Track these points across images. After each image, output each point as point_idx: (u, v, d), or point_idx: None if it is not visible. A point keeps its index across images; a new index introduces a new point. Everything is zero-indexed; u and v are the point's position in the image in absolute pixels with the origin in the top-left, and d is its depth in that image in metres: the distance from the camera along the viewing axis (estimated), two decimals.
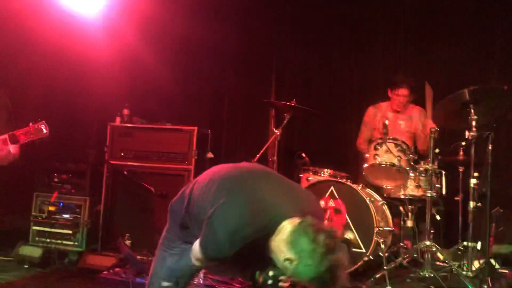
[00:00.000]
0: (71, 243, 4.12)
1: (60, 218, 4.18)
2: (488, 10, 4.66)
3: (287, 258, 1.60)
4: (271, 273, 1.73)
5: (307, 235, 1.58)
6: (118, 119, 4.68)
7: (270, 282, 1.74)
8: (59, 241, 4.13)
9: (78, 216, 4.17)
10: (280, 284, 1.72)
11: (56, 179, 4.35)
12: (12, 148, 2.60)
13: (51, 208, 4.23)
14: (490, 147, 3.12)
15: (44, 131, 2.54)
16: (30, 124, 2.55)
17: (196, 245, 1.84)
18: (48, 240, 4.13)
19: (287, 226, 1.63)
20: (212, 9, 5.52)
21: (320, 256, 1.55)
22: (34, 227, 4.19)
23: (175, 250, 2.01)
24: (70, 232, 4.15)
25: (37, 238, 4.15)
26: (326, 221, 1.77)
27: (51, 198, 4.21)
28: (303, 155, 4.14)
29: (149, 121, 4.93)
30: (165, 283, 2.00)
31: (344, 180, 3.75)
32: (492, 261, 3.71)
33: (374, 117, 4.45)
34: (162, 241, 2.10)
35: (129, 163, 4.41)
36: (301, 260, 1.56)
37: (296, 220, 1.64)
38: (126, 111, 4.75)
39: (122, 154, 4.39)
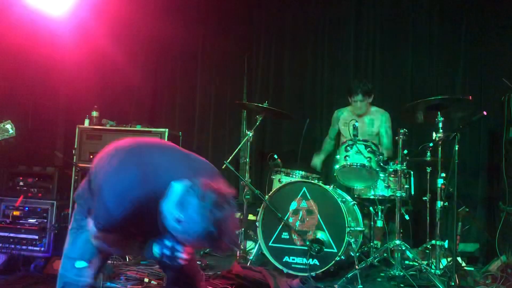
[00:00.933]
0: (37, 248, 4.00)
1: (25, 223, 4.05)
2: (453, 23, 4.83)
3: (176, 219, 1.59)
4: (167, 242, 1.72)
5: (195, 195, 1.58)
6: (86, 121, 4.59)
7: (167, 252, 1.73)
8: (24, 247, 3.99)
9: (45, 220, 4.05)
10: (178, 254, 1.73)
11: (21, 183, 4.22)
12: None
13: (16, 213, 4.09)
14: (456, 148, 3.20)
15: (11, 131, 2.42)
16: None
17: (90, 220, 1.84)
18: (13, 246, 4.00)
19: (177, 187, 1.63)
20: (183, 10, 5.49)
21: (207, 212, 1.56)
22: None
23: (85, 229, 1.97)
24: (36, 237, 4.02)
25: (1, 244, 4.01)
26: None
27: (16, 203, 4.08)
28: (276, 156, 4.14)
29: (118, 123, 4.84)
30: (79, 263, 1.96)
31: (316, 181, 3.77)
32: (459, 259, 3.83)
33: (337, 120, 4.54)
34: (71, 224, 2.06)
35: None
36: (189, 218, 1.56)
37: (186, 182, 1.64)
38: (95, 113, 4.66)
39: (91, 156, 4.30)
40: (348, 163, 3.66)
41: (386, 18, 5.02)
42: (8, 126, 2.40)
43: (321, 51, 5.20)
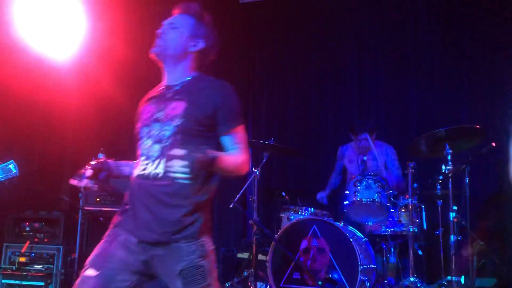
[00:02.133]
0: None
1: (32, 270, 3.98)
2: (457, 53, 4.84)
3: None
4: None
5: None
6: None
7: None
8: None
9: (51, 266, 3.99)
10: None
11: (27, 228, 4.18)
12: None
13: (22, 259, 4.03)
14: (467, 181, 3.15)
15: (14, 170, 2.42)
16: None
17: None
18: None
19: None
20: None
21: None
22: (4, 280, 3.97)
23: None
24: (42, 284, 3.94)
25: None
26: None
27: (22, 249, 4.02)
28: (283, 194, 4.10)
29: None
30: None
31: (326, 218, 3.72)
32: None
33: (342, 156, 4.51)
34: None
35: (104, 209, 4.27)
36: None
37: None
38: (101, 156, 4.65)
39: (98, 199, 4.26)
40: (358, 199, 3.61)
41: (387, 53, 5.06)
42: (11, 166, 2.41)
43: (324, 87, 5.23)
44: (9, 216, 4.21)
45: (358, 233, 3.75)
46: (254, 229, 3.98)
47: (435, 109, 4.83)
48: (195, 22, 2.02)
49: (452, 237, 3.47)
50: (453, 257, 3.46)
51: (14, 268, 3.99)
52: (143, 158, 1.87)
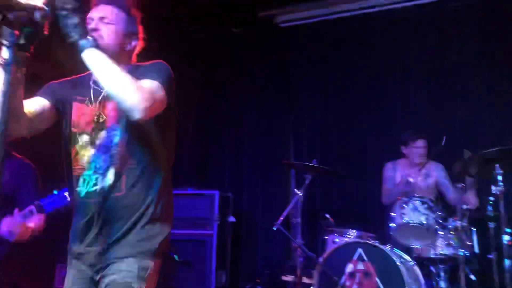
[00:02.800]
0: None
1: None
2: (506, 71, 4.69)
3: None
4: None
5: None
6: None
7: None
8: None
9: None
10: None
11: None
12: (38, 219, 2.57)
13: None
14: None
15: (69, 198, 2.51)
16: (54, 192, 2.52)
17: None
18: None
19: None
20: (227, 74, 5.70)
21: None
22: None
23: None
24: None
25: None
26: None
27: None
28: (327, 215, 4.06)
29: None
30: None
31: (372, 241, 3.65)
32: None
33: (393, 173, 4.41)
34: None
35: None
36: None
37: None
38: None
39: None
40: (405, 221, 3.53)
41: (431, 71, 4.97)
42: (67, 194, 2.48)
43: (367, 106, 5.17)
44: (62, 237, 4.36)
45: (406, 257, 3.65)
46: (298, 252, 3.95)
47: (481, 129, 4.67)
48: (128, 17, 1.82)
49: (506, 261, 3.32)
50: (509, 283, 3.30)
51: None
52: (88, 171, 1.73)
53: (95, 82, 1.78)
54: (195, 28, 5.79)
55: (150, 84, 1.64)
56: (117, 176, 1.69)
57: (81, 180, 1.76)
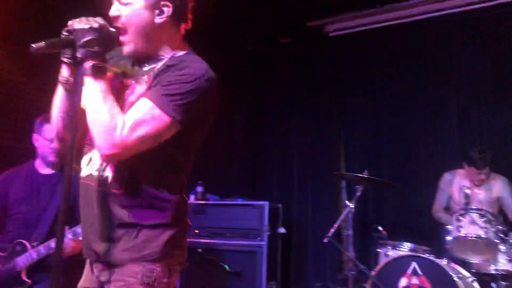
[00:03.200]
0: None
1: None
2: None
3: None
4: None
5: None
6: (192, 197, 4.81)
7: None
8: None
9: None
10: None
11: None
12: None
13: None
14: None
15: None
16: None
17: None
18: None
19: None
20: (276, 86, 5.73)
21: None
22: None
23: None
24: None
25: None
26: None
27: None
28: (380, 228, 3.97)
29: (221, 197, 5.02)
30: None
31: (427, 254, 3.52)
32: None
33: (450, 184, 4.24)
34: None
35: (203, 240, 4.44)
36: None
37: None
38: (199, 188, 4.88)
39: (197, 232, 4.45)
40: (462, 234, 3.38)
41: (489, 76, 4.74)
42: None
43: (421, 112, 5.01)
44: None
45: (464, 272, 3.49)
46: (350, 265, 3.88)
47: None
48: None
49: None
50: None
51: None
52: None
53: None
54: (243, 41, 5.87)
55: (141, 116, 1.45)
56: (117, 171, 1.53)
57: (87, 158, 1.63)
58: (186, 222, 1.69)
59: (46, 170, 2.97)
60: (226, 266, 4.39)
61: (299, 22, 5.42)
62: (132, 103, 1.51)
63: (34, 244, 2.73)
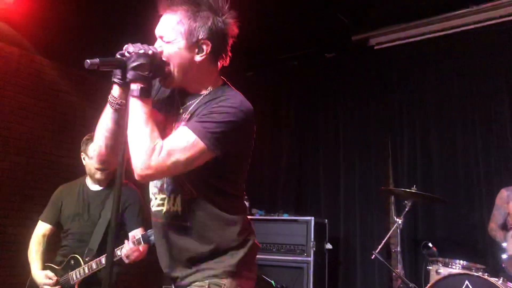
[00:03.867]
0: None
1: None
2: None
3: None
4: None
5: None
6: None
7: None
8: None
9: None
10: None
11: None
12: (143, 248, 2.76)
13: None
14: None
15: None
16: None
17: None
18: None
19: None
20: (322, 100, 5.72)
21: None
22: None
23: None
24: None
25: None
26: None
27: None
28: (430, 244, 3.84)
29: (267, 212, 5.03)
30: None
31: (481, 273, 3.37)
32: None
33: (507, 201, 4.04)
34: None
35: None
36: None
37: None
38: (245, 203, 4.91)
39: None
40: None
41: None
42: None
43: (473, 125, 4.82)
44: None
45: None
46: (399, 283, 3.79)
47: None
48: (188, 22, 1.62)
49: None
50: None
51: None
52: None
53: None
54: (289, 56, 5.92)
55: (177, 142, 1.53)
56: (184, 205, 1.65)
57: (151, 196, 1.76)
58: (254, 243, 1.77)
59: (95, 187, 3.09)
60: (273, 282, 4.39)
61: (344, 36, 5.42)
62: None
63: (87, 259, 2.84)
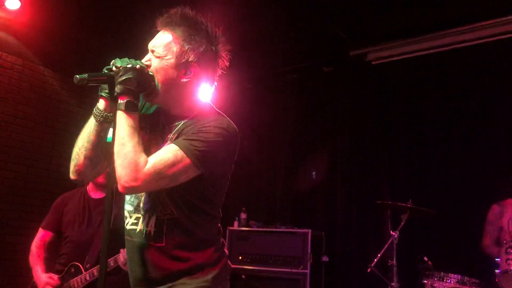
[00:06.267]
0: None
1: None
2: None
3: None
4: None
5: None
6: (235, 223, 4.89)
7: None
8: None
9: None
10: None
11: None
12: None
13: None
14: None
15: None
16: None
17: None
18: None
19: None
20: (319, 113, 5.78)
21: None
22: None
23: None
24: None
25: None
26: None
27: None
28: (425, 258, 3.88)
29: (264, 224, 5.07)
30: None
31: (475, 287, 3.41)
32: None
33: (500, 216, 4.10)
34: None
35: (246, 267, 4.49)
36: None
37: None
38: (243, 215, 4.95)
39: (240, 258, 4.50)
40: (511, 268, 3.27)
41: None
42: None
43: (468, 141, 4.89)
44: None
45: None
46: None
47: None
48: (181, 42, 1.66)
49: None
50: None
51: None
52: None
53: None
54: (287, 69, 6.00)
55: (164, 158, 1.55)
56: (158, 225, 1.66)
57: (125, 215, 1.77)
58: (228, 262, 1.82)
59: (97, 194, 3.13)
60: None
61: (341, 51, 5.50)
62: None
63: (87, 266, 2.87)
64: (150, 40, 1.72)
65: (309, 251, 4.55)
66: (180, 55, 1.64)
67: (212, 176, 1.65)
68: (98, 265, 2.82)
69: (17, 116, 4.83)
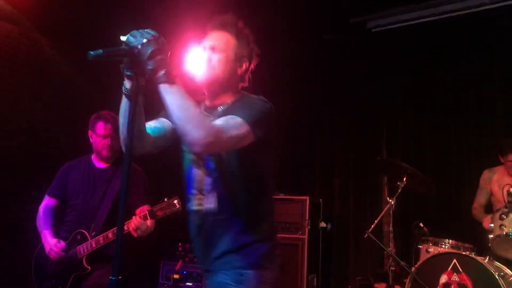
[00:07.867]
0: None
1: (183, 286, 4.44)
2: None
3: None
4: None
5: None
6: None
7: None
8: None
9: (200, 284, 4.40)
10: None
11: (180, 248, 4.67)
12: (150, 223, 2.86)
13: (176, 276, 4.51)
14: None
15: (177, 206, 2.75)
16: (165, 199, 2.76)
17: None
18: None
19: None
20: (318, 81, 5.77)
21: None
22: None
23: None
24: None
25: None
26: None
27: (176, 267, 4.51)
28: (421, 224, 3.98)
29: None
30: None
31: (468, 252, 3.52)
32: None
33: (489, 182, 4.20)
34: None
35: None
36: None
37: None
38: None
39: None
40: (504, 233, 3.36)
41: None
42: (176, 202, 2.73)
43: (465, 109, 4.94)
44: (165, 237, 4.75)
45: (507, 270, 3.46)
46: (390, 261, 3.92)
47: None
48: (237, 42, 1.93)
49: None
50: None
51: (169, 284, 4.49)
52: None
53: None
54: (286, 37, 5.94)
55: (227, 122, 1.69)
56: (220, 200, 1.84)
57: (190, 197, 1.94)
58: (277, 240, 1.99)
59: (101, 164, 3.17)
60: None
61: (342, 18, 5.44)
62: None
63: (93, 234, 2.95)
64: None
65: (307, 217, 4.65)
66: (237, 49, 1.91)
67: (263, 144, 1.82)
68: (104, 233, 2.90)
69: (15, 84, 4.81)
